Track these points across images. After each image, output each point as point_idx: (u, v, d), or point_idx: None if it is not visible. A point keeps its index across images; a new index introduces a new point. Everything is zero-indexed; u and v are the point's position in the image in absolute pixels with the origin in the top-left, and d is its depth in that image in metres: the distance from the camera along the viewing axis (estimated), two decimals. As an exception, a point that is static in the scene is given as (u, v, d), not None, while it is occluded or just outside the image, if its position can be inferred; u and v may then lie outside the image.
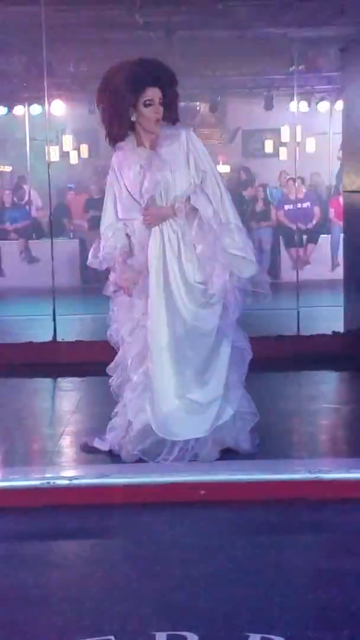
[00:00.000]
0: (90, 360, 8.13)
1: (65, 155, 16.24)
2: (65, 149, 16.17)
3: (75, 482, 5.23)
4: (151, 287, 5.41)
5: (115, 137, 5.47)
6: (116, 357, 5.71)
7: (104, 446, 5.71)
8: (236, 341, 5.54)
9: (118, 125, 5.40)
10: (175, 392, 5.42)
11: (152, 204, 5.42)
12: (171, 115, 5.46)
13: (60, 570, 4.35)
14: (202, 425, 5.43)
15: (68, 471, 5.48)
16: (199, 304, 5.43)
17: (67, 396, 7.60)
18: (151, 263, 5.41)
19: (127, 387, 5.56)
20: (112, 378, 5.73)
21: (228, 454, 5.54)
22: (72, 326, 10.10)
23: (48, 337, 8.94)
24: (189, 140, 5.39)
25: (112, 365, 5.74)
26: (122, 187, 5.47)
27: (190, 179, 5.40)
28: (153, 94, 5.34)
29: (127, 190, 5.44)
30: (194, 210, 5.37)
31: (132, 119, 5.37)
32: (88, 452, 5.73)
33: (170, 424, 5.41)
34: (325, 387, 7.73)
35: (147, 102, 5.33)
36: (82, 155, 16.43)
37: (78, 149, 16.35)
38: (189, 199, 5.38)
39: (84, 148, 16.38)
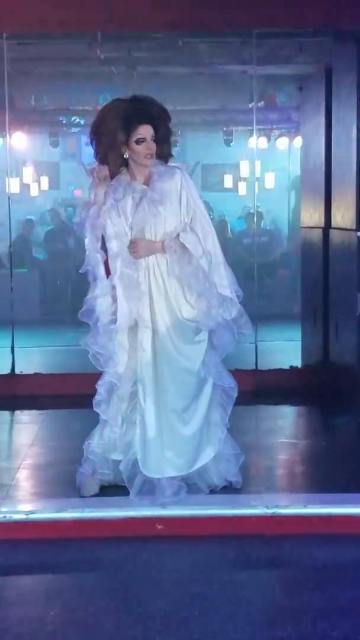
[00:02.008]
0: (49, 393, 8.15)
1: (25, 187, 16.25)
2: (25, 181, 16.17)
3: (32, 516, 5.22)
4: (139, 321, 5.44)
5: (111, 166, 5.52)
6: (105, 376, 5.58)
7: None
8: (220, 380, 5.57)
9: (112, 161, 5.49)
10: (157, 429, 5.43)
11: (142, 237, 5.47)
12: (163, 151, 5.55)
13: (15, 606, 4.33)
14: (181, 464, 5.44)
15: (25, 505, 5.45)
16: (186, 341, 5.47)
17: (25, 429, 7.57)
18: (143, 291, 5.46)
19: (113, 421, 5.54)
20: (98, 395, 5.59)
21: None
22: (31, 358, 10.08)
23: (6, 370, 8.91)
24: (183, 179, 5.49)
25: (101, 382, 5.61)
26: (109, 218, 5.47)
27: (180, 216, 5.48)
28: (145, 131, 5.44)
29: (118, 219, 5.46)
30: (183, 247, 5.42)
31: (125, 155, 5.47)
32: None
33: (152, 461, 5.41)
34: (282, 422, 7.76)
35: (139, 140, 5.43)
36: (42, 187, 16.45)
37: (39, 181, 16.36)
38: (178, 236, 5.44)
39: (45, 180, 16.39)
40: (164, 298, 5.46)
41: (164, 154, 5.57)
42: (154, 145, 5.46)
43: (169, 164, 5.60)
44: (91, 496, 5.51)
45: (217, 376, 5.56)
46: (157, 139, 5.49)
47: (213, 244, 5.52)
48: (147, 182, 5.51)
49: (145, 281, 5.47)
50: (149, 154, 5.46)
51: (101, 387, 5.53)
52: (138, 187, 5.50)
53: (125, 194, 5.49)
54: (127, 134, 5.44)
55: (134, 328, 5.48)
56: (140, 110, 5.47)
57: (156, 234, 5.47)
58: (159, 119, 5.51)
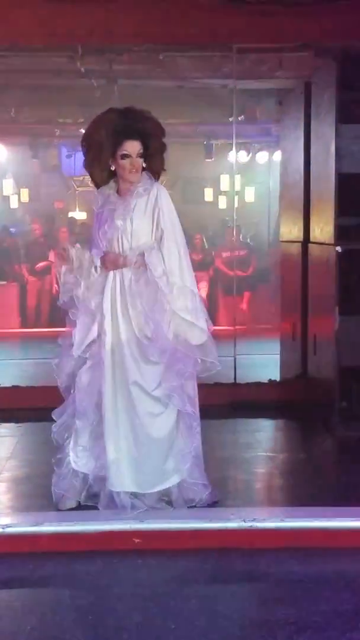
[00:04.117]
0: (28, 406, 8.13)
1: (5, 199, 16.24)
2: (5, 193, 16.17)
3: (9, 530, 5.20)
4: (104, 332, 5.46)
5: (96, 182, 5.63)
6: (66, 402, 5.69)
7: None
8: (179, 405, 5.48)
9: (98, 171, 5.56)
10: (118, 443, 5.42)
11: (110, 249, 5.49)
12: (154, 166, 5.56)
13: (-9, 620, 4.31)
14: (142, 481, 5.44)
15: (1, 518, 5.43)
16: (142, 359, 5.45)
17: (3, 442, 7.54)
18: (106, 307, 5.47)
19: (80, 434, 5.55)
20: (57, 423, 5.68)
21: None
22: (10, 371, 10.05)
23: (-16, 383, 8.89)
24: (159, 196, 5.47)
25: (59, 409, 5.71)
26: (94, 229, 5.63)
27: (150, 234, 5.48)
28: (131, 147, 5.45)
29: (97, 232, 5.56)
30: (145, 265, 5.43)
31: (111, 167, 5.51)
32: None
33: (113, 474, 5.41)
34: (261, 435, 7.77)
35: (124, 155, 5.45)
36: (22, 200, 16.44)
37: (19, 193, 16.35)
38: (143, 253, 5.44)
39: (25, 192, 16.39)
40: (124, 312, 5.45)
41: (154, 169, 5.57)
42: (138, 162, 5.47)
43: (160, 178, 5.61)
44: (68, 510, 5.50)
45: (176, 400, 5.46)
46: (148, 154, 5.50)
47: (180, 267, 5.45)
48: (126, 195, 5.54)
49: (110, 295, 5.48)
50: (133, 170, 5.47)
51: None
52: (114, 200, 5.53)
53: (104, 205, 5.55)
54: (114, 147, 5.46)
55: (94, 343, 5.52)
56: (129, 126, 5.48)
57: (123, 249, 5.49)
58: (150, 135, 5.50)
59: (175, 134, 14.28)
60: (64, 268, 5.56)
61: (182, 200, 16.82)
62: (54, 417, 5.68)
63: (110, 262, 5.49)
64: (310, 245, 8.51)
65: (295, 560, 4.99)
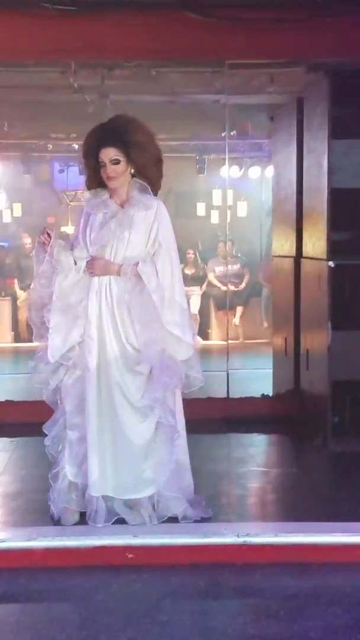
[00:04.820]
0: (21, 420, 8.11)
1: (-3, 214, 16.26)
2: (-3, 208, 16.19)
3: (2, 545, 5.19)
4: (90, 337, 5.46)
5: (89, 188, 5.70)
6: (55, 415, 5.70)
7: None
8: (162, 418, 5.48)
9: (88, 179, 5.65)
10: (99, 451, 5.42)
11: (102, 255, 5.49)
12: (147, 176, 5.56)
13: (-15, 636, 4.30)
14: (116, 487, 5.43)
15: (-5, 534, 5.43)
16: (127, 368, 5.46)
17: (-4, 457, 7.54)
18: (91, 312, 5.47)
19: (74, 445, 5.56)
20: (49, 437, 5.68)
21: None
22: (2, 385, 10.04)
23: (-24, 398, 8.88)
24: (159, 212, 5.50)
25: (49, 422, 5.71)
26: (80, 228, 5.61)
27: (145, 247, 5.49)
28: (104, 155, 5.48)
29: (85, 232, 5.55)
30: (138, 276, 5.43)
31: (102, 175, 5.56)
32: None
33: (93, 479, 5.42)
34: (254, 450, 7.77)
35: (100, 164, 5.50)
36: (14, 214, 16.45)
37: (11, 208, 16.36)
38: (137, 264, 5.44)
39: (17, 206, 16.40)
40: (111, 320, 5.45)
41: (150, 180, 5.58)
42: (114, 169, 5.47)
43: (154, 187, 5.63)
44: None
45: (158, 412, 5.47)
46: (138, 164, 5.51)
47: (172, 282, 5.48)
48: (122, 204, 5.55)
49: (95, 301, 5.48)
50: (109, 177, 5.49)
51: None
52: (112, 206, 5.54)
53: (99, 208, 5.55)
54: (95, 158, 5.52)
55: (73, 350, 5.53)
56: (104, 134, 5.52)
57: (116, 257, 5.48)
58: (130, 141, 5.48)
59: (168, 149, 14.36)
60: (44, 257, 5.52)
61: (174, 215, 16.83)
62: (45, 431, 5.68)
63: (99, 267, 5.48)
64: (302, 260, 8.53)
65: (289, 576, 4.99)
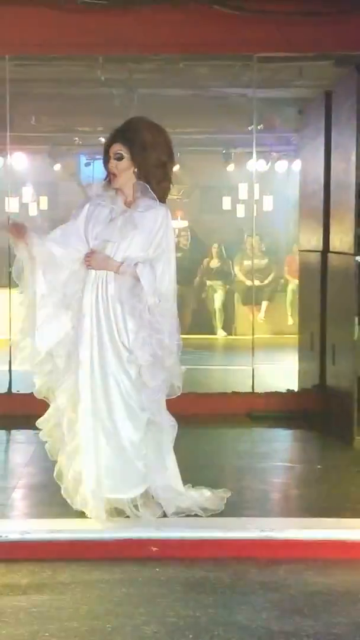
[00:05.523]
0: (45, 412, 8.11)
1: (24, 206, 16.28)
2: (24, 200, 16.22)
3: (27, 536, 5.21)
4: (84, 330, 5.46)
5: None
6: (48, 412, 5.74)
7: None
8: (157, 417, 5.49)
9: (107, 175, 5.65)
10: (94, 446, 5.43)
11: (102, 250, 5.49)
12: (150, 179, 5.54)
13: (9, 626, 4.31)
14: (106, 484, 5.43)
15: (20, 525, 5.44)
16: (119, 362, 5.45)
17: (21, 449, 7.57)
18: (86, 304, 5.47)
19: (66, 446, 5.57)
20: (44, 434, 5.75)
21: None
22: (28, 378, 10.04)
23: (3, 389, 8.91)
24: (165, 218, 5.53)
25: (43, 419, 5.76)
26: (80, 217, 5.58)
27: (147, 250, 5.48)
28: (111, 150, 5.56)
29: (87, 224, 5.54)
30: (137, 278, 5.43)
31: None
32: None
33: (86, 475, 5.43)
34: (278, 445, 7.76)
35: (108, 156, 5.55)
36: (41, 207, 16.49)
37: (37, 201, 16.41)
38: (136, 265, 5.44)
39: (43, 200, 16.45)
40: (104, 315, 5.45)
41: (157, 184, 5.57)
42: (115, 164, 5.53)
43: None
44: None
45: (150, 413, 5.47)
46: (143, 165, 5.51)
47: (167, 287, 5.52)
48: (127, 204, 5.56)
49: (91, 294, 5.47)
50: (111, 174, 5.55)
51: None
52: (120, 204, 5.55)
53: (106, 202, 5.57)
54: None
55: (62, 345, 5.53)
56: (115, 132, 5.62)
57: (116, 254, 5.48)
58: (132, 142, 5.51)
59: (194, 143, 14.35)
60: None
61: (200, 209, 16.86)
62: (38, 426, 5.74)
63: (98, 261, 5.47)
64: (329, 254, 8.50)
65: (312, 572, 4.97)
